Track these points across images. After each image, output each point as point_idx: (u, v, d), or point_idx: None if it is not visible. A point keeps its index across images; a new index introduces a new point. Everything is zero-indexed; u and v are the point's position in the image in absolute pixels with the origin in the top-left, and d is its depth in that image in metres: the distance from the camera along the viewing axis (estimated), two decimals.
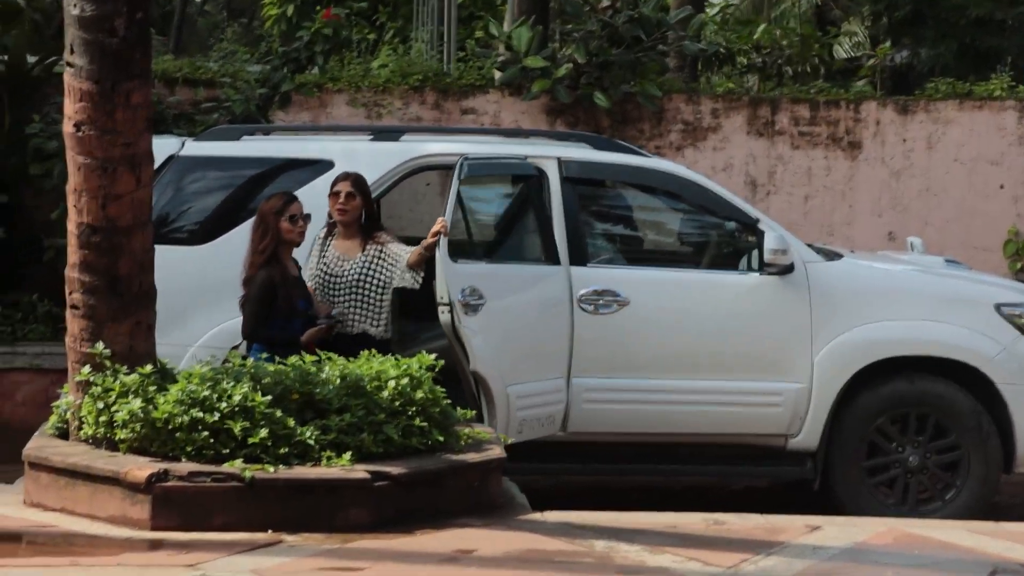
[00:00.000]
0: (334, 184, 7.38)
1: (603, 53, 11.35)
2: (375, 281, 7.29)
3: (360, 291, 7.29)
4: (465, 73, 11.88)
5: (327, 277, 7.32)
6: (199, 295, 7.65)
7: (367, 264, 7.30)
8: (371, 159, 7.97)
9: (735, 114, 11.55)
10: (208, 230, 7.86)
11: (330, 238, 7.40)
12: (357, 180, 7.39)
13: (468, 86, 11.65)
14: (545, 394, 7.57)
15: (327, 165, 7.92)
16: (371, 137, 8.35)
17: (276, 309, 6.98)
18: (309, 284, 7.25)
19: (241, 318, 7.17)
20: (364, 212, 7.40)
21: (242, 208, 7.93)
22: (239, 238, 7.73)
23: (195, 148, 8.07)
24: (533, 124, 11.37)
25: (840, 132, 11.49)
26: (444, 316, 6.93)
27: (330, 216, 7.39)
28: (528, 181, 7.96)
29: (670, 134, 11.55)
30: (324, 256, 7.36)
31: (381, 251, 7.32)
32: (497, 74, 11.71)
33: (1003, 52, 16.91)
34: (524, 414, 7.33)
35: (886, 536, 6.19)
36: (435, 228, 6.97)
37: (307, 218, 7.17)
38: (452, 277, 7.01)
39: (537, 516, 6.23)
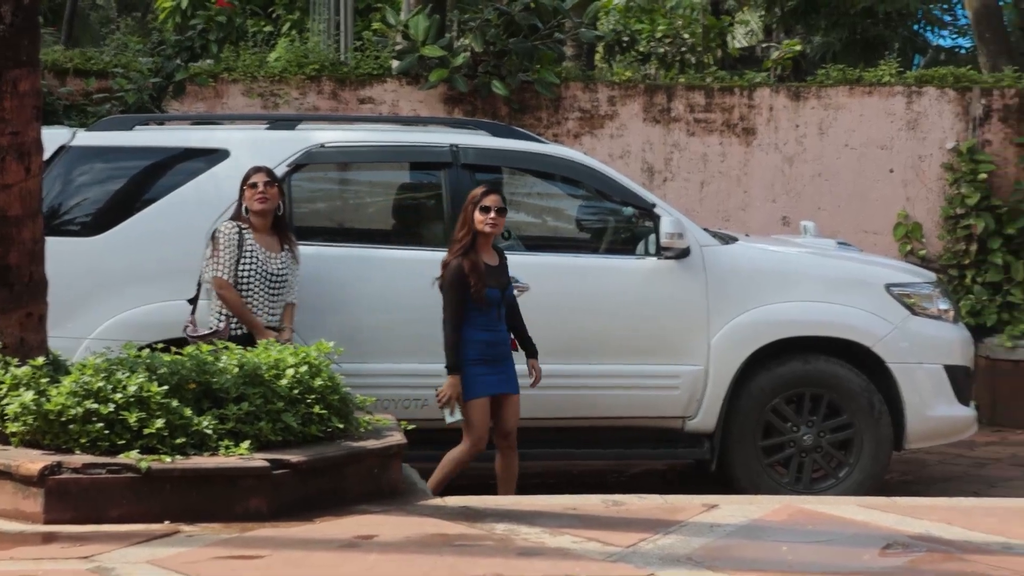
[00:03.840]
0: (248, 177, 7.31)
1: (500, 42, 11.37)
2: (292, 280, 7.35)
3: (285, 289, 7.33)
4: (362, 62, 11.83)
5: (265, 274, 7.24)
6: (93, 287, 7.57)
7: (289, 262, 7.35)
8: (267, 148, 7.93)
9: (632, 101, 11.64)
10: (101, 221, 7.76)
11: (244, 233, 7.25)
12: (271, 172, 7.39)
13: (365, 75, 11.60)
14: (404, 376, 7.68)
15: (223, 155, 7.88)
16: (267, 126, 8.31)
17: (467, 297, 7.05)
18: (220, 275, 7.11)
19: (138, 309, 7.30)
20: (281, 205, 7.37)
21: (136, 199, 7.85)
22: (133, 229, 7.70)
23: (87, 138, 7.96)
24: (431, 113, 11.36)
25: (735, 119, 11.63)
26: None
27: (245, 211, 7.28)
28: (422, 168, 8.02)
29: (568, 122, 11.60)
30: (252, 252, 7.21)
31: (293, 254, 7.37)
32: (394, 63, 11.68)
33: (890, 40, 17.26)
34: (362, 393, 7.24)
35: (781, 513, 6.29)
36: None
37: (501, 211, 7.16)
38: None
39: (438, 501, 6.25)
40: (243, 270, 7.19)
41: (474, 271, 7.03)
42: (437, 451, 7.79)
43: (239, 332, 7.13)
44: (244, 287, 7.19)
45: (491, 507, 6.20)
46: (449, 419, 7.14)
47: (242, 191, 7.32)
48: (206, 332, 7.11)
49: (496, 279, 7.15)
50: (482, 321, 7.09)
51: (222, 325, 7.16)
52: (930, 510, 6.35)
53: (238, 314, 7.15)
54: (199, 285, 7.36)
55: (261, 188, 7.26)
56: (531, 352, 7.34)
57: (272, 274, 7.26)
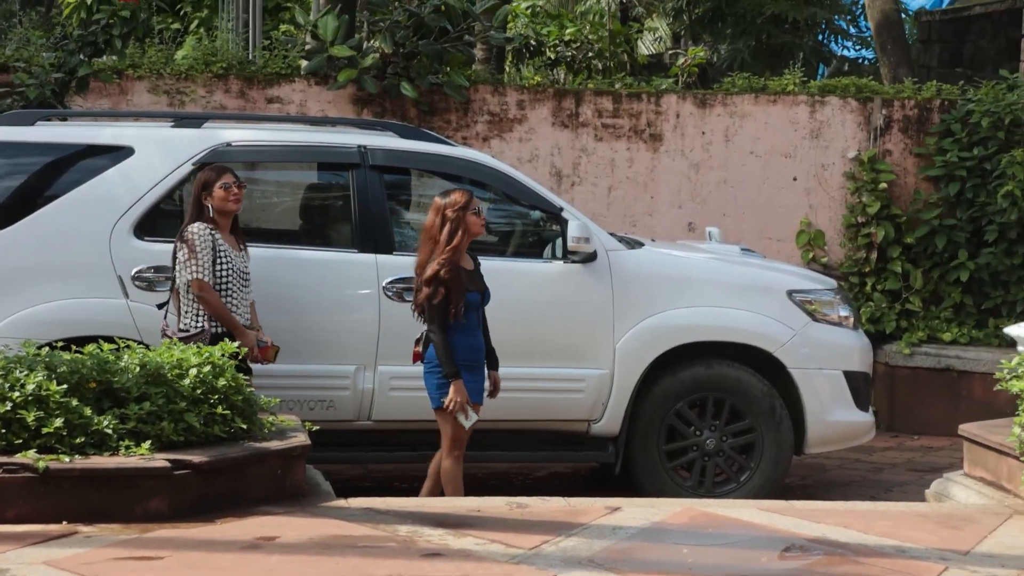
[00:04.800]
0: (217, 178, 7.18)
1: (410, 43, 11.36)
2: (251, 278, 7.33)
3: (250, 286, 7.30)
4: (270, 62, 11.74)
5: (239, 273, 7.20)
6: None
7: (248, 260, 7.30)
8: (173, 146, 7.87)
9: (540, 106, 11.69)
10: (1, 217, 7.62)
11: (216, 236, 7.16)
12: (234, 171, 7.32)
13: (273, 75, 11.52)
14: (310, 378, 7.64)
15: (127, 152, 7.80)
16: (173, 124, 8.23)
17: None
18: (202, 278, 6.99)
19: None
20: None
21: (37, 195, 7.75)
22: (34, 226, 7.59)
23: None
24: (340, 113, 11.30)
25: (642, 124, 11.72)
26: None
27: (210, 211, 7.15)
28: (329, 168, 8.01)
29: (477, 125, 11.62)
30: (225, 252, 7.14)
31: (247, 253, 7.34)
32: (303, 63, 11.62)
33: (796, 49, 17.50)
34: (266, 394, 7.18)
35: (683, 516, 6.36)
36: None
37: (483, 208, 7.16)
38: (133, 254, 7.44)
39: (341, 503, 6.24)
40: (220, 271, 7.12)
41: (456, 281, 6.94)
42: (342, 453, 7.82)
43: (219, 331, 7.07)
44: (223, 287, 7.13)
45: (395, 509, 6.20)
46: (467, 424, 7.00)
47: (204, 193, 7.19)
48: (192, 333, 7.02)
49: (475, 283, 7.11)
50: (463, 326, 7.01)
51: (205, 325, 7.08)
52: (827, 514, 6.46)
53: (219, 316, 7.07)
54: (170, 289, 7.27)
55: (236, 189, 7.22)
56: (492, 363, 7.24)
57: (244, 272, 7.24)
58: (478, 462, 8.39)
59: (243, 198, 7.30)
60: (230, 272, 7.14)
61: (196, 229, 7.11)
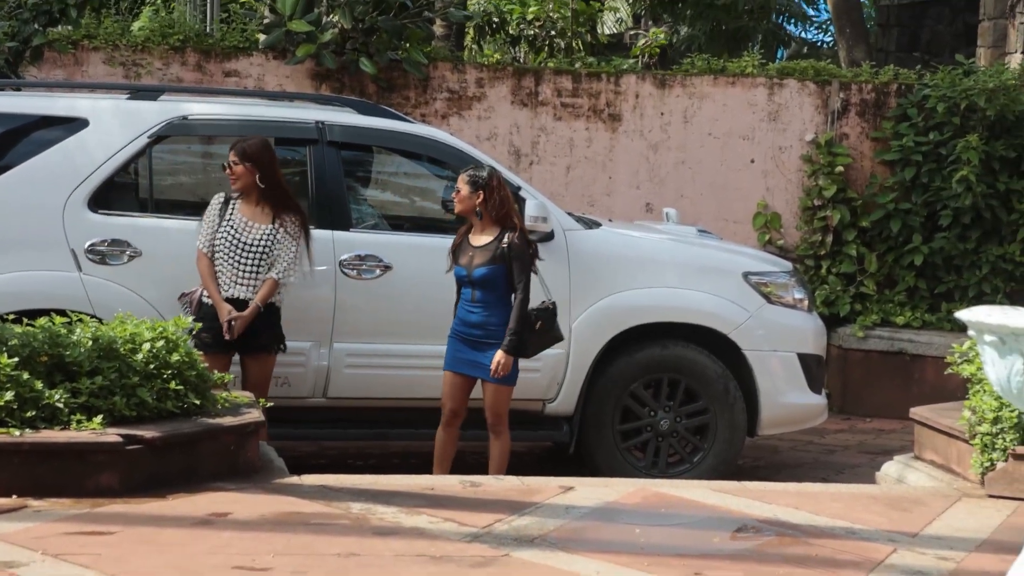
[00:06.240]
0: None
1: (369, 19, 11.30)
2: (277, 254, 7.26)
3: (261, 261, 7.25)
4: (228, 35, 11.65)
5: (237, 243, 7.21)
6: None
7: (273, 235, 7.26)
8: (128, 118, 7.79)
9: (500, 84, 11.66)
10: None
11: (232, 203, 7.29)
12: (240, 149, 7.28)
13: (231, 48, 11.43)
14: None
15: (82, 123, 7.72)
16: (129, 96, 8.15)
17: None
18: (199, 246, 7.23)
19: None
20: (263, 179, 7.25)
21: None
22: None
23: None
24: (298, 88, 11.23)
25: (601, 104, 11.72)
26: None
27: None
28: (287, 143, 7.98)
29: (436, 102, 11.57)
30: (230, 220, 7.24)
31: (285, 229, 7.28)
32: (261, 37, 11.53)
33: (754, 32, 17.55)
34: None
35: (635, 496, 6.39)
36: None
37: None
38: (87, 227, 7.40)
39: (295, 480, 6.23)
40: (218, 238, 7.25)
41: (454, 249, 7.38)
42: (301, 430, 7.80)
43: (207, 300, 7.22)
44: (217, 256, 7.25)
45: (348, 486, 6.19)
46: None
47: None
48: (185, 292, 7.28)
49: (469, 257, 7.20)
50: (461, 298, 7.29)
51: (198, 290, 7.26)
52: (779, 495, 6.51)
53: (203, 284, 7.24)
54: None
55: (228, 169, 7.28)
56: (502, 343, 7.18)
57: (245, 244, 7.22)
58: (431, 439, 8.39)
59: (242, 175, 7.21)
60: (224, 241, 7.24)
61: (212, 198, 7.37)
